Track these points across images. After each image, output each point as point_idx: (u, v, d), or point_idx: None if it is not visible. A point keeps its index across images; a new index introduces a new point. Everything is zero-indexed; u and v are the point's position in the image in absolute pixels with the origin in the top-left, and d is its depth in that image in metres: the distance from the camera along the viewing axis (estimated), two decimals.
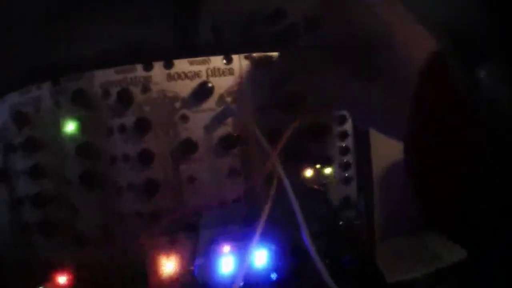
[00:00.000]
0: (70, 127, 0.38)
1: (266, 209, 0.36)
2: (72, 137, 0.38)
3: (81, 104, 0.37)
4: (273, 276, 0.39)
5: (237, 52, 0.38)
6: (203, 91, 0.37)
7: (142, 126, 0.36)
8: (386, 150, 0.47)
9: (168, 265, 0.36)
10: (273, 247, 0.39)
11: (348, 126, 0.40)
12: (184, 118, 0.37)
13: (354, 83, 0.29)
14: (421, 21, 0.29)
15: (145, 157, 0.36)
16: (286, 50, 0.36)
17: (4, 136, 0.41)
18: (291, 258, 0.39)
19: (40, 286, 0.39)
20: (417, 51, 0.26)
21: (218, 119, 0.37)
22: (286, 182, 0.34)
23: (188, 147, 0.36)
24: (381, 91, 0.28)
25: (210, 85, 0.36)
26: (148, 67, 0.37)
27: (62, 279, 0.39)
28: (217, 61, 0.38)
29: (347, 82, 0.30)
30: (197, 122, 0.37)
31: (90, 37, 0.41)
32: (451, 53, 0.27)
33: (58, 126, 0.38)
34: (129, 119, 0.37)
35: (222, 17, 0.42)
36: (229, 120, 0.37)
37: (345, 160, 0.40)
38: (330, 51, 0.31)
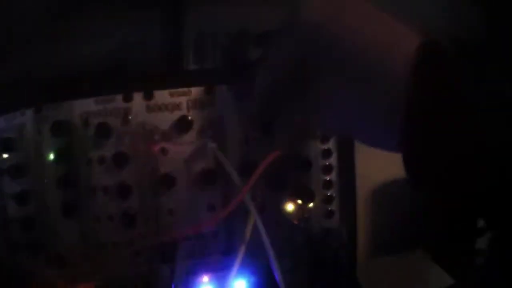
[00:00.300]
0: (51, 156, 0.38)
1: (245, 241, 0.36)
2: (52, 166, 0.38)
3: (60, 134, 0.37)
4: None
5: (219, 82, 0.37)
6: (182, 125, 0.36)
7: (121, 159, 0.36)
8: (372, 173, 0.46)
9: None
10: (252, 278, 0.39)
11: (333, 159, 0.39)
12: (164, 151, 0.37)
13: (334, 98, 0.26)
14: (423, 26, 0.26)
15: (123, 190, 0.36)
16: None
17: None
18: None
19: None
20: (397, 51, 0.23)
21: (198, 153, 0.37)
22: (257, 217, 0.34)
23: (167, 181, 0.36)
24: (365, 101, 0.25)
25: (189, 118, 0.36)
26: (127, 98, 0.37)
27: None
28: (198, 92, 0.37)
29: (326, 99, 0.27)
30: (176, 156, 0.37)
31: (70, 58, 0.41)
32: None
33: (40, 154, 0.39)
34: (108, 151, 0.37)
35: (204, 38, 0.41)
36: (209, 154, 0.37)
37: (328, 194, 0.39)
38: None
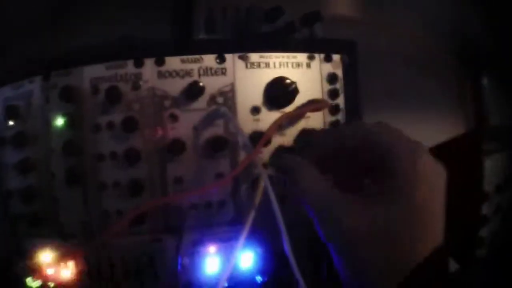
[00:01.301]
0: (58, 122, 0.37)
1: (252, 211, 0.35)
2: (59, 133, 0.37)
3: (69, 99, 0.37)
4: (258, 279, 0.38)
5: (231, 51, 0.37)
6: (193, 91, 0.36)
7: (130, 124, 0.36)
8: None
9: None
10: (259, 249, 0.38)
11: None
12: (173, 117, 0.36)
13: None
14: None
15: (132, 156, 0.36)
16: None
17: None
18: (276, 262, 0.38)
19: (29, 276, 0.40)
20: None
21: (208, 120, 0.36)
22: (268, 185, 0.33)
23: (176, 147, 0.36)
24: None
25: (201, 84, 0.36)
26: (138, 63, 0.36)
27: (50, 270, 0.38)
28: (210, 60, 0.37)
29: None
30: (186, 122, 0.36)
31: (83, 29, 0.41)
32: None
33: (47, 121, 0.38)
34: (117, 117, 0.36)
35: (217, 11, 0.42)
36: (220, 121, 0.36)
37: None
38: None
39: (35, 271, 0.39)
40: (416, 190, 0.28)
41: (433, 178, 0.29)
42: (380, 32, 0.56)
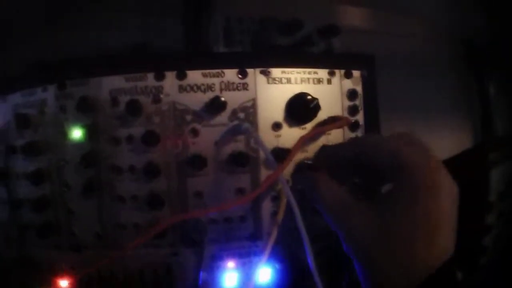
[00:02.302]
0: (76, 134, 0.36)
1: (275, 228, 0.36)
2: (76, 144, 0.37)
3: (87, 110, 0.36)
4: None
5: (251, 65, 0.37)
6: (215, 106, 0.35)
7: (150, 138, 0.35)
8: None
9: None
10: (277, 265, 0.38)
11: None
12: (194, 132, 0.36)
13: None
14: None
15: (151, 170, 0.35)
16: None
17: (6, 137, 0.40)
18: (294, 276, 0.39)
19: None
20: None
21: (229, 135, 0.36)
22: (291, 198, 0.34)
23: (197, 162, 0.35)
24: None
25: (223, 99, 0.35)
26: (159, 76, 0.36)
27: (63, 282, 0.38)
28: (231, 74, 0.36)
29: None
30: (207, 137, 0.36)
31: (98, 38, 0.40)
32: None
33: (62, 132, 0.37)
34: (136, 130, 0.36)
35: (233, 23, 0.41)
36: (241, 137, 0.36)
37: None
38: None
39: (44, 281, 0.39)
40: (435, 202, 0.29)
41: (449, 192, 0.30)
42: (386, 42, 0.56)
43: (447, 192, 0.29)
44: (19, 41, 0.44)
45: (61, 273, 0.38)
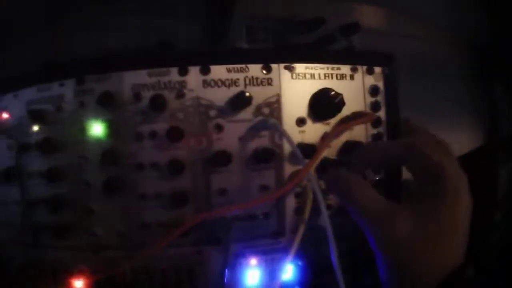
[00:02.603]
0: (96, 130, 0.35)
1: (302, 226, 0.36)
2: (97, 141, 0.36)
3: (108, 106, 0.35)
4: None
5: (275, 61, 0.37)
6: (240, 101, 0.35)
7: (175, 134, 0.34)
8: None
9: None
10: (300, 262, 0.38)
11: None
12: (219, 128, 0.35)
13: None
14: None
15: (175, 167, 0.35)
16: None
17: (18, 134, 0.39)
18: (316, 274, 0.38)
19: None
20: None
21: (255, 131, 0.36)
22: (320, 196, 0.34)
23: (222, 158, 0.35)
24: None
25: (248, 94, 0.35)
26: (183, 71, 0.35)
27: (78, 283, 0.37)
28: (256, 69, 0.36)
29: None
30: (232, 133, 0.35)
31: (118, 32, 0.39)
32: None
33: (81, 128, 0.36)
34: (160, 126, 0.35)
35: (256, 21, 0.41)
36: (266, 133, 0.36)
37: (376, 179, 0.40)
38: None
39: (59, 283, 0.38)
40: (460, 208, 0.32)
41: (468, 202, 0.32)
42: (394, 42, 0.57)
43: (467, 203, 0.32)
44: (20, 40, 0.43)
45: (76, 274, 0.37)
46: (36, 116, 0.37)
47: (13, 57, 0.44)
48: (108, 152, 0.35)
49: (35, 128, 0.38)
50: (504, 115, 0.56)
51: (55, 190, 0.37)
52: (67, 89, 0.37)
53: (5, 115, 0.39)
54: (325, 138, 0.34)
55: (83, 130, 0.36)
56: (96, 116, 0.35)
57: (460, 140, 0.57)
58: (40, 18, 0.42)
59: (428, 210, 0.31)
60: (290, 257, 0.35)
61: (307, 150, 0.36)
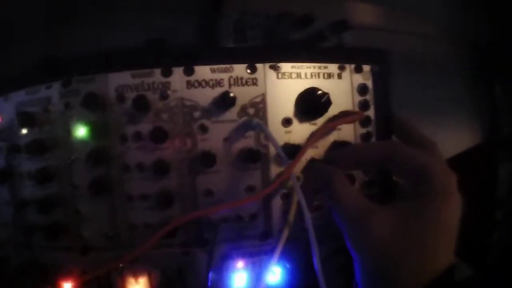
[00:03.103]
0: (81, 131, 0.36)
1: (287, 228, 0.35)
2: (82, 142, 0.36)
3: (93, 107, 0.35)
4: None
5: (261, 60, 0.36)
6: (224, 101, 0.35)
7: (159, 135, 0.34)
8: None
9: None
10: (287, 264, 0.38)
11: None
12: (203, 129, 0.35)
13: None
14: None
15: (160, 168, 0.35)
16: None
17: (9, 136, 0.39)
18: (305, 276, 0.38)
19: None
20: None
21: (239, 131, 0.35)
22: (301, 198, 0.33)
23: (206, 159, 0.35)
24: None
25: (232, 95, 0.34)
26: (166, 72, 0.35)
27: (67, 285, 0.37)
28: (240, 69, 0.36)
29: None
30: (216, 133, 0.35)
31: (104, 34, 0.39)
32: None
33: (67, 129, 0.36)
34: (144, 127, 0.35)
35: (245, 18, 0.40)
36: (252, 133, 0.35)
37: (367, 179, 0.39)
38: None
39: (50, 284, 0.38)
40: (447, 208, 0.31)
41: (458, 202, 0.31)
42: (393, 40, 0.56)
43: (457, 204, 0.31)
44: (19, 40, 0.43)
45: (67, 275, 0.37)
46: (25, 118, 0.38)
47: (13, 57, 0.44)
48: (94, 153, 0.35)
49: (25, 130, 0.38)
50: (503, 114, 0.55)
51: (45, 191, 0.38)
52: (53, 91, 0.37)
53: None
54: (310, 138, 0.34)
55: (69, 131, 0.36)
56: (82, 117, 0.36)
57: (460, 139, 0.56)
58: (40, 18, 0.43)
59: (413, 211, 0.31)
60: (275, 259, 0.34)
61: (294, 150, 0.35)
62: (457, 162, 0.36)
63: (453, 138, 0.55)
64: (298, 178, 0.35)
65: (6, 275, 0.41)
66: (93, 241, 0.37)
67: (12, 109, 0.39)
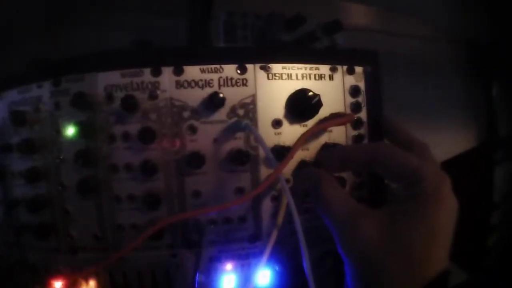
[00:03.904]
0: (70, 131, 0.35)
1: (275, 230, 0.35)
2: (71, 142, 0.36)
3: (81, 107, 0.35)
4: None
5: (251, 61, 0.36)
6: (213, 102, 0.34)
7: (147, 135, 0.34)
8: None
9: None
10: (277, 267, 0.37)
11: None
12: (192, 129, 0.35)
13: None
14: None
15: (148, 168, 0.34)
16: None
17: (1, 135, 0.39)
18: (295, 279, 0.37)
19: None
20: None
21: (229, 132, 0.35)
22: (290, 200, 0.32)
23: (195, 160, 0.34)
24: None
25: (221, 95, 0.34)
26: (156, 72, 0.35)
27: (57, 284, 0.37)
28: (230, 70, 0.35)
29: None
30: (205, 134, 0.35)
31: (94, 33, 0.39)
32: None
33: (57, 129, 0.36)
34: (133, 127, 0.35)
35: (235, 18, 0.40)
36: (241, 134, 0.35)
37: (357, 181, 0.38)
38: None
39: (41, 284, 0.38)
40: (439, 211, 0.30)
41: (452, 205, 0.31)
42: (389, 41, 0.55)
43: (451, 206, 0.31)
44: (19, 40, 0.44)
45: (57, 275, 0.37)
46: (16, 117, 0.38)
47: (13, 57, 0.45)
48: (82, 153, 0.35)
49: (16, 129, 0.38)
50: (501, 115, 0.54)
51: (34, 191, 0.38)
52: (44, 90, 0.37)
53: None
54: (299, 139, 0.33)
55: (59, 131, 0.36)
56: (71, 117, 0.35)
57: (457, 139, 0.55)
58: (40, 18, 0.43)
59: (404, 214, 0.30)
60: (264, 261, 0.34)
61: (283, 152, 0.35)
62: (454, 165, 0.35)
63: (450, 139, 0.54)
64: (287, 180, 0.34)
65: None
66: (82, 241, 0.37)
67: (4, 108, 0.39)
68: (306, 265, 0.32)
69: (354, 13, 0.47)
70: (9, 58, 0.45)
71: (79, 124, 0.35)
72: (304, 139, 0.34)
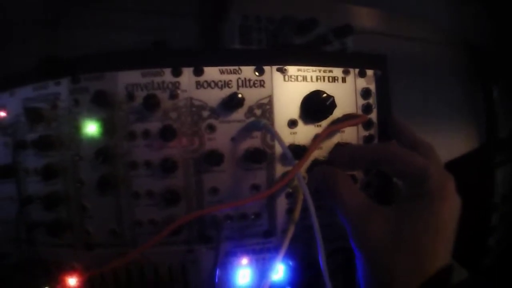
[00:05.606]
0: (90, 128, 0.36)
1: (292, 226, 0.36)
2: (91, 139, 0.36)
3: (102, 105, 0.36)
4: None
5: (268, 63, 0.37)
6: (232, 102, 0.35)
7: (168, 133, 0.35)
8: None
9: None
10: (291, 262, 0.38)
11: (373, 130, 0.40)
12: (211, 128, 0.36)
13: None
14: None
15: (168, 165, 0.35)
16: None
17: (15, 132, 0.39)
18: (307, 274, 0.39)
19: (46, 286, 0.38)
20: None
21: (246, 132, 0.36)
22: (308, 197, 0.34)
23: (213, 158, 0.35)
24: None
25: (240, 96, 0.35)
26: (176, 72, 0.36)
27: (71, 280, 0.37)
28: (248, 71, 0.36)
29: None
30: (224, 133, 0.36)
31: (112, 33, 0.40)
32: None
33: (75, 126, 0.37)
34: (153, 125, 0.35)
35: (250, 22, 0.41)
36: (258, 133, 0.36)
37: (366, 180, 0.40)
38: None
39: (53, 280, 0.38)
40: (444, 208, 0.32)
41: (456, 203, 0.33)
42: (392, 44, 0.57)
43: (455, 204, 0.32)
44: (20, 40, 0.43)
45: (70, 271, 0.37)
46: (32, 114, 0.38)
47: (13, 57, 0.45)
48: (102, 150, 0.35)
49: (31, 126, 0.39)
50: (501, 117, 0.56)
51: (50, 188, 0.38)
52: (63, 88, 0.37)
53: (1, 113, 0.40)
54: (315, 139, 0.35)
55: (77, 128, 0.37)
56: (91, 114, 0.36)
57: (458, 141, 0.57)
58: (40, 18, 0.43)
59: (409, 212, 0.32)
60: (280, 257, 0.35)
61: (298, 151, 0.36)
62: (455, 166, 0.37)
63: (451, 140, 0.56)
64: (304, 177, 0.36)
65: (6, 272, 0.41)
66: (99, 238, 0.37)
67: (18, 104, 0.39)
68: (322, 259, 0.33)
69: (357, 16, 0.48)
70: (12, 55, 0.45)
71: (100, 121, 0.36)
72: (321, 139, 0.35)
